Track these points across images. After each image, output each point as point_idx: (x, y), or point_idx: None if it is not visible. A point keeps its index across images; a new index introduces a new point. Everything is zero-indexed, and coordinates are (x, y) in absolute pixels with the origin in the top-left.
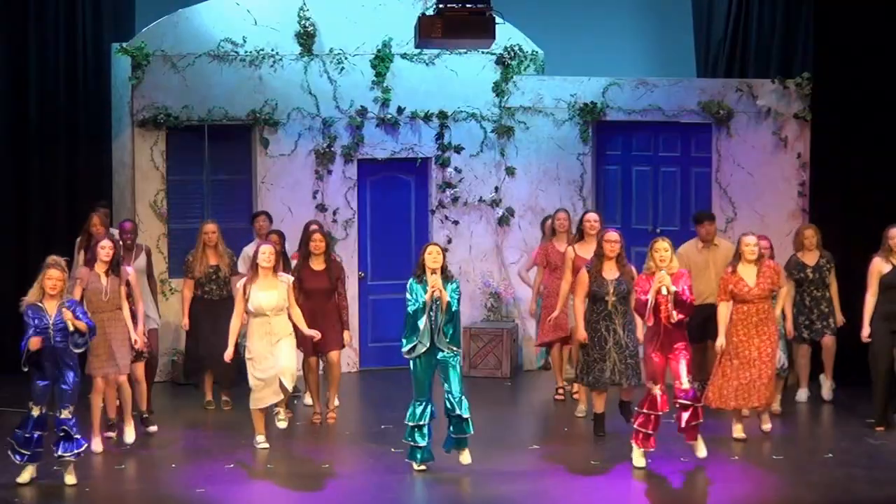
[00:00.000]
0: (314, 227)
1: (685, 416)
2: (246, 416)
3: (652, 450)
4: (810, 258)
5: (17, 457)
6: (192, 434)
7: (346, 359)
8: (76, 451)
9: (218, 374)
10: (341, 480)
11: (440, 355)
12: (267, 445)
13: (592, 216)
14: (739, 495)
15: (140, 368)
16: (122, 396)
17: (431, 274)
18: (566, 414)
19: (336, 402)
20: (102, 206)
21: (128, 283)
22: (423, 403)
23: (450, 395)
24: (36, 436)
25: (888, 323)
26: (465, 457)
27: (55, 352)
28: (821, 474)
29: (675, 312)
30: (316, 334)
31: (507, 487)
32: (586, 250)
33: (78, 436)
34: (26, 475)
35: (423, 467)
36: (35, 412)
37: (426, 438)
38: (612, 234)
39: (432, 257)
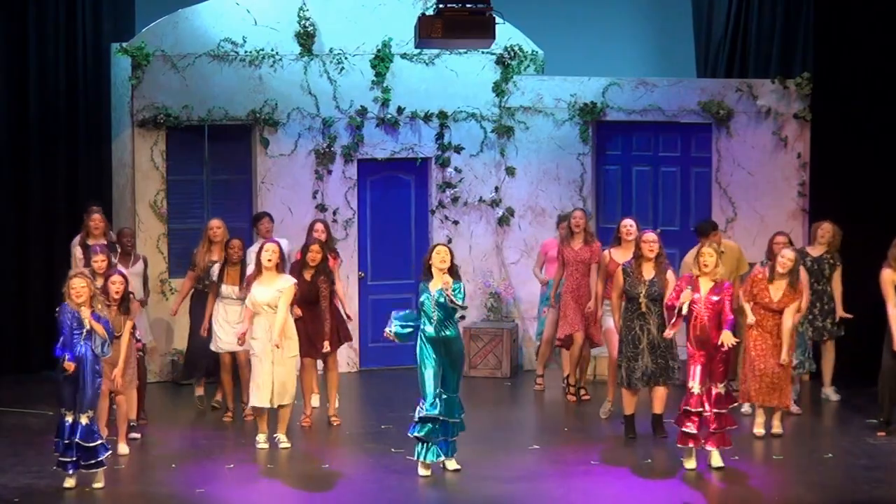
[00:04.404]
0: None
1: (718, 418)
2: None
3: (694, 449)
4: (815, 251)
5: (68, 468)
6: (192, 434)
7: (347, 359)
8: (99, 460)
9: (207, 367)
10: (341, 480)
11: (448, 356)
12: (266, 445)
13: (628, 221)
14: (740, 495)
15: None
16: (116, 412)
17: (441, 273)
18: (566, 414)
19: (336, 406)
20: (97, 206)
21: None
22: (432, 398)
23: (443, 394)
24: (76, 442)
25: None
26: (452, 463)
27: (87, 357)
28: (821, 474)
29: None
30: (277, 343)
31: (506, 487)
32: (621, 255)
33: (96, 443)
34: (71, 482)
35: (427, 472)
36: (69, 418)
37: (438, 434)
38: (650, 235)
39: (440, 257)
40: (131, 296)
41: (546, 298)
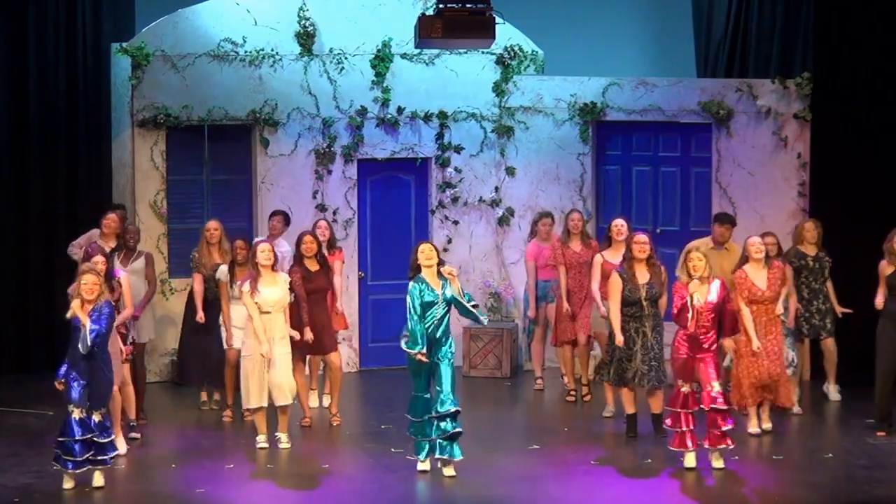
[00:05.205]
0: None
1: (719, 419)
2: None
3: (692, 449)
4: (811, 249)
5: (69, 466)
6: (192, 434)
7: (347, 359)
8: (105, 458)
9: (208, 371)
10: (341, 480)
11: (439, 351)
12: (267, 445)
13: (619, 221)
14: (740, 495)
15: (125, 371)
16: (112, 407)
17: (430, 270)
18: (566, 414)
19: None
20: (120, 207)
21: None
22: (425, 397)
23: (439, 394)
24: (81, 442)
25: (895, 323)
26: (449, 470)
27: (90, 353)
28: (821, 474)
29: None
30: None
31: (506, 487)
32: (614, 256)
33: (108, 439)
34: (70, 482)
35: (426, 466)
36: (76, 414)
37: (431, 433)
38: (641, 236)
39: (425, 255)
40: (116, 281)
41: (534, 299)
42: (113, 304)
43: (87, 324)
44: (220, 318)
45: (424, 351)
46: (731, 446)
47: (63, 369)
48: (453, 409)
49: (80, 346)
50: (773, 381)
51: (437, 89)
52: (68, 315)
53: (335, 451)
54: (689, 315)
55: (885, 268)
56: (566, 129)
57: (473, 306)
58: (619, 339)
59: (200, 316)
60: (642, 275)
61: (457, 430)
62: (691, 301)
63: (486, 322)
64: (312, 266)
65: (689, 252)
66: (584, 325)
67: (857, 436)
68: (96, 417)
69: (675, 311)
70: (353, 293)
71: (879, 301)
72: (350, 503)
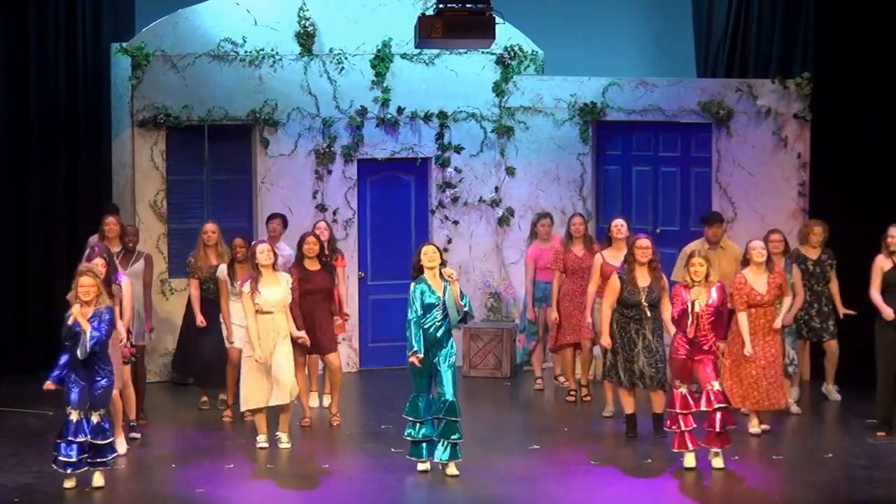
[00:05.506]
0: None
1: (719, 419)
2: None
3: (692, 449)
4: (812, 253)
5: (67, 468)
6: (192, 434)
7: (347, 359)
8: (105, 460)
9: (207, 372)
10: (341, 480)
11: (440, 353)
12: (267, 445)
13: (619, 221)
14: (740, 495)
15: (126, 373)
16: (112, 408)
17: (433, 272)
18: (566, 414)
19: (335, 409)
20: (114, 209)
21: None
22: (424, 397)
23: (440, 395)
24: (77, 444)
25: (894, 323)
26: (452, 468)
27: (89, 357)
28: (821, 474)
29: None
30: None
31: (506, 487)
32: (613, 256)
33: (106, 441)
34: (71, 482)
35: (426, 466)
36: (74, 416)
37: (433, 433)
38: (644, 241)
39: (428, 257)
40: (116, 286)
41: (532, 301)
42: (114, 309)
43: (88, 330)
44: (220, 316)
45: (421, 355)
46: (730, 445)
47: (55, 372)
48: (451, 400)
49: (78, 351)
50: (769, 383)
51: (437, 89)
52: (69, 321)
53: (335, 451)
54: (689, 321)
55: (883, 263)
56: (566, 129)
57: (462, 318)
58: (606, 341)
59: (201, 320)
60: (643, 278)
61: (456, 438)
62: (692, 307)
63: (458, 325)
64: (313, 266)
65: (691, 257)
66: (586, 328)
67: (857, 436)
68: (94, 419)
69: (675, 315)
70: (353, 293)
71: (889, 312)
72: (350, 503)
